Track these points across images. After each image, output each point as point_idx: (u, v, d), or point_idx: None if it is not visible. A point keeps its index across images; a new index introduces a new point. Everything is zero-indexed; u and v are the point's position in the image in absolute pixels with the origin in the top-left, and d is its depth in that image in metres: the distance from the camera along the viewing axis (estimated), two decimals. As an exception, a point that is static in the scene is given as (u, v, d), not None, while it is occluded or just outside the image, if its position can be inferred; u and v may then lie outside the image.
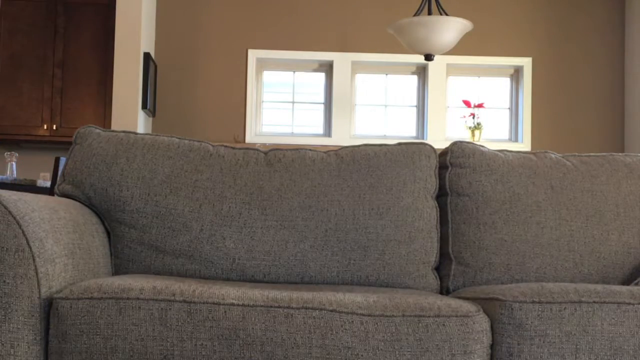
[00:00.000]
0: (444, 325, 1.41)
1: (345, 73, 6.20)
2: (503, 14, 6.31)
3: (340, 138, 6.18)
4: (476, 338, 1.44)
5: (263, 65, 6.27)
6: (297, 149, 1.98)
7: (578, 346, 1.52)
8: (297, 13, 6.23)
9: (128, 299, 1.39)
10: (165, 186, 1.85)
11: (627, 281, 1.95)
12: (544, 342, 1.52)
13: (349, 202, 1.89)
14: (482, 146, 2.07)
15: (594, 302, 1.55)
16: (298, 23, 6.23)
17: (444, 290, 1.95)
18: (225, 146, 1.99)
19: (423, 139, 6.25)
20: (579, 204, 1.98)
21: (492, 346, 1.52)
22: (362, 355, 1.42)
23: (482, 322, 1.48)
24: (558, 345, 1.52)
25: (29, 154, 6.19)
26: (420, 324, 1.45)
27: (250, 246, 1.84)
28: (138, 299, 1.39)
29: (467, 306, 1.50)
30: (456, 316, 1.45)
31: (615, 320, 1.55)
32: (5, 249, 1.37)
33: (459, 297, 1.71)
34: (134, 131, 1.98)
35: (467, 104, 6.19)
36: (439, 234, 1.97)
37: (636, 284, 1.88)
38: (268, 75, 6.36)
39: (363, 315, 1.45)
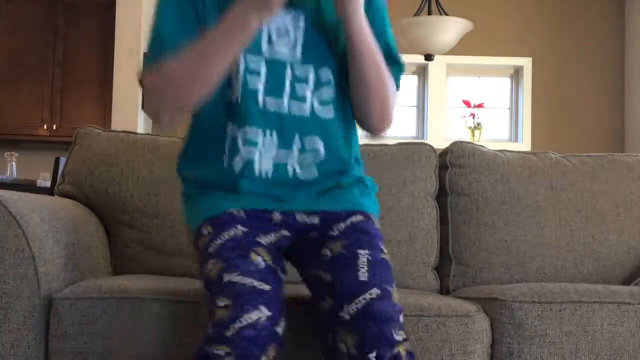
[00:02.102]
0: (444, 325, 1.41)
1: (345, 73, 6.20)
2: (503, 14, 6.30)
3: (340, 138, 6.18)
4: (476, 338, 1.44)
5: (263, 65, 6.27)
6: (297, 149, 1.98)
7: (578, 346, 1.52)
8: (297, 13, 6.22)
9: (127, 298, 1.39)
10: (165, 186, 1.85)
11: (627, 281, 1.95)
12: (544, 342, 1.51)
13: (349, 202, 1.88)
14: (482, 146, 2.07)
15: (594, 302, 1.55)
16: (298, 23, 6.23)
17: (444, 290, 1.95)
18: (225, 146, 1.99)
19: (423, 139, 6.24)
20: (579, 204, 1.98)
21: (492, 346, 1.51)
22: (362, 355, 1.41)
23: (482, 322, 1.48)
24: (558, 345, 1.52)
25: (29, 154, 6.18)
26: (420, 324, 1.45)
27: (250, 246, 1.83)
28: (137, 298, 1.39)
29: (467, 306, 1.49)
30: (456, 316, 1.44)
31: (615, 320, 1.54)
32: (5, 249, 1.37)
33: (459, 297, 1.71)
34: (134, 131, 1.98)
35: (467, 104, 6.18)
36: (439, 234, 1.96)
37: (636, 284, 1.88)
38: (268, 75, 6.36)
39: (363, 315, 1.45)
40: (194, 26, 1.25)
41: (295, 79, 1.29)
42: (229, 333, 1.10)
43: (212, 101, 1.27)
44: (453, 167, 1.99)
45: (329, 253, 1.26)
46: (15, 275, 1.37)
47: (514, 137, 6.41)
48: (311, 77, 1.30)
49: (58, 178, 2.01)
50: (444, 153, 2.03)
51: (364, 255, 1.23)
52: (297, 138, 1.30)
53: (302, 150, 1.31)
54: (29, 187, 4.14)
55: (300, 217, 1.32)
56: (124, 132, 1.96)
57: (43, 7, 6.14)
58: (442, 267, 1.97)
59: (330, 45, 1.32)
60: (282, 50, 1.28)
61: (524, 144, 6.25)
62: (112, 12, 5.77)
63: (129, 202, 1.85)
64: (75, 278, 1.53)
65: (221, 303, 1.12)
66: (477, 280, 1.92)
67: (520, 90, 6.38)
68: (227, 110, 1.29)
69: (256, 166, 1.29)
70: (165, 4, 1.27)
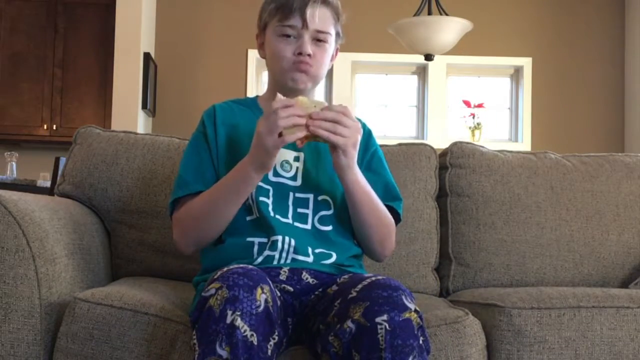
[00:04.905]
0: (435, 335, 1.39)
1: (345, 73, 6.19)
2: (503, 14, 6.30)
3: (340, 138, 6.18)
4: (470, 342, 1.43)
5: (263, 65, 6.25)
6: (297, 149, 1.98)
7: (577, 352, 1.52)
8: (297, 13, 6.21)
9: (146, 314, 1.37)
10: (165, 186, 1.85)
11: (627, 281, 1.95)
12: (543, 348, 1.51)
13: (349, 203, 1.88)
14: (482, 147, 2.06)
15: (593, 307, 1.55)
16: (298, 23, 6.22)
17: (444, 291, 1.95)
18: (225, 146, 1.99)
19: (423, 139, 6.24)
20: (579, 205, 1.97)
21: (487, 348, 1.51)
22: None
23: (472, 325, 1.46)
24: (558, 351, 1.51)
25: (29, 154, 6.18)
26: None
27: (250, 246, 1.83)
28: (156, 316, 1.37)
29: (454, 312, 1.47)
30: (446, 324, 1.42)
31: (615, 324, 1.54)
32: (5, 249, 1.37)
33: (457, 301, 1.71)
34: (134, 131, 1.97)
35: (467, 104, 6.18)
36: (439, 235, 1.96)
37: (636, 284, 1.88)
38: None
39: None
40: (210, 174, 1.48)
41: (296, 202, 1.47)
42: (216, 275, 1.20)
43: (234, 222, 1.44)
44: (453, 167, 1.99)
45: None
46: (15, 276, 1.37)
47: (514, 137, 6.41)
48: (311, 202, 1.47)
49: (58, 178, 2.01)
50: (444, 153, 2.03)
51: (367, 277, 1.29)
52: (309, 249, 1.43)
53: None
54: (29, 187, 4.14)
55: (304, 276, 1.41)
56: (124, 132, 1.96)
57: (43, 7, 6.14)
58: (441, 267, 1.97)
59: (328, 182, 1.49)
60: (285, 178, 1.48)
61: (524, 144, 6.25)
62: (112, 12, 5.78)
63: (129, 202, 1.85)
64: (76, 278, 1.53)
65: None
66: (477, 280, 1.92)
67: (520, 90, 6.37)
68: (250, 226, 1.44)
69: (275, 262, 1.40)
70: (188, 154, 1.52)
